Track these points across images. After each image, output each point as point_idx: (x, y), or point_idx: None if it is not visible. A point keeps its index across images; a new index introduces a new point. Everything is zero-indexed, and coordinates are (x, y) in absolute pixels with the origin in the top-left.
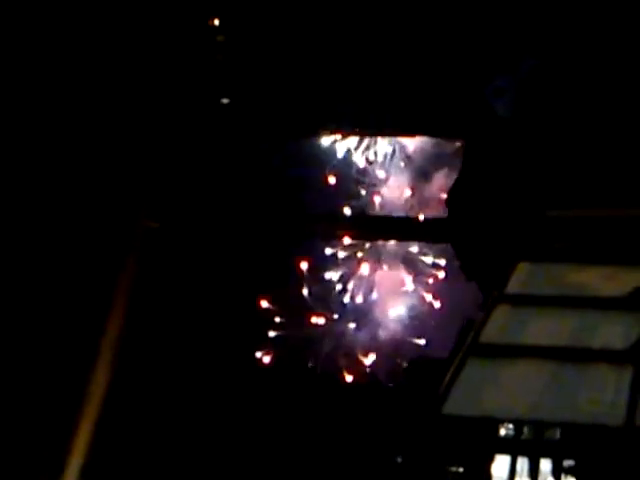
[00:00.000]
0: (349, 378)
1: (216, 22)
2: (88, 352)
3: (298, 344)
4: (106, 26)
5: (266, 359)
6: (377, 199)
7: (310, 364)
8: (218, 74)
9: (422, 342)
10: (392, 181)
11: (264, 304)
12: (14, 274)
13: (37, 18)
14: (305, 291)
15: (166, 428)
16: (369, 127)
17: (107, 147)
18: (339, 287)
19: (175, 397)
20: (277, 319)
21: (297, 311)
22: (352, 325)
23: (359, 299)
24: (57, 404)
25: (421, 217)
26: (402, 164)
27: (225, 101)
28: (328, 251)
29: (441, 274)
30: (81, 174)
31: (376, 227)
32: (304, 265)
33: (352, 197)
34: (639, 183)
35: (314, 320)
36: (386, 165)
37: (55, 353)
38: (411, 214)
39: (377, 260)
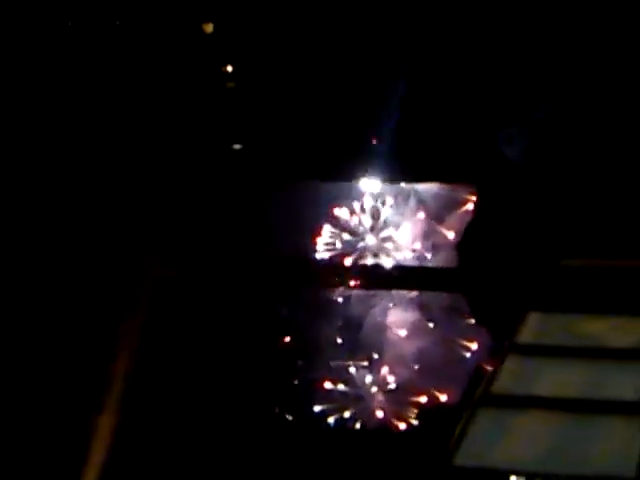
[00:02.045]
0: (357, 424)
1: (229, 69)
2: (94, 399)
3: (308, 388)
4: (119, 68)
5: (277, 403)
6: (388, 245)
7: (321, 407)
8: (230, 119)
9: (433, 387)
10: (404, 226)
11: (276, 348)
12: (19, 323)
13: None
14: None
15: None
16: (381, 174)
17: (122, 193)
18: (348, 328)
19: (183, 446)
20: (289, 363)
21: (308, 353)
22: (361, 367)
23: (368, 341)
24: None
25: (431, 265)
26: (415, 208)
27: (237, 147)
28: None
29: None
30: (95, 219)
31: (385, 276)
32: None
33: (361, 242)
34: None
35: (324, 361)
36: (398, 209)
37: (60, 401)
38: (423, 260)
39: (388, 303)
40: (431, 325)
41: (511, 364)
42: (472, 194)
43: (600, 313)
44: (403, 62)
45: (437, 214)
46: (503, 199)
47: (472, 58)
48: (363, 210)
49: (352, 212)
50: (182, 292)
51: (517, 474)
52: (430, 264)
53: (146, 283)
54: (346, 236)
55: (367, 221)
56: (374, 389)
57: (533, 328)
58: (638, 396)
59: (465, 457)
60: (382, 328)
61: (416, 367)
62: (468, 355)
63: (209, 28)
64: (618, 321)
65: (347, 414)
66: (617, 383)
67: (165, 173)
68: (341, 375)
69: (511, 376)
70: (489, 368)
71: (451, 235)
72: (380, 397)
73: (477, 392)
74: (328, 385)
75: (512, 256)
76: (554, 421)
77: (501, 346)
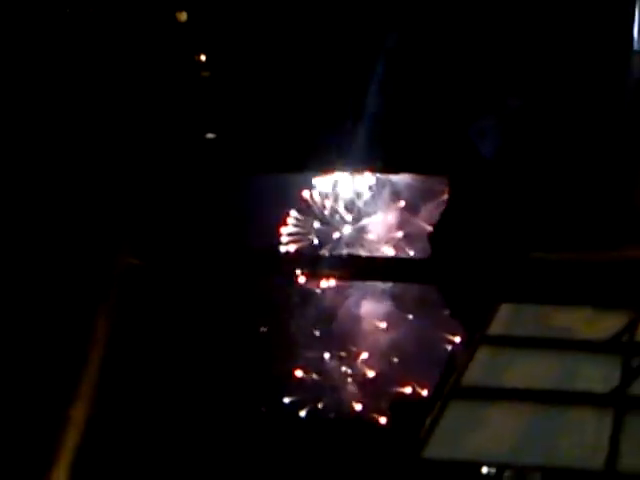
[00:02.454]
0: (330, 415)
1: (202, 58)
2: (67, 388)
3: (281, 378)
4: (89, 58)
5: (249, 393)
6: (362, 236)
7: (295, 398)
8: (203, 109)
9: (405, 379)
10: (378, 216)
11: (251, 339)
12: None
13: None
14: (289, 324)
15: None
16: (354, 164)
17: (90, 183)
18: (323, 320)
19: (157, 438)
20: (263, 354)
21: (283, 344)
22: (335, 359)
23: (341, 332)
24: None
25: (404, 257)
26: (389, 199)
27: (210, 136)
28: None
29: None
30: (64, 209)
31: (358, 267)
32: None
33: (334, 234)
34: (622, 226)
35: (297, 352)
36: (372, 200)
37: (33, 389)
38: (396, 252)
39: (362, 295)
40: (404, 316)
41: (482, 355)
42: (445, 186)
43: (571, 305)
44: (378, 54)
45: (411, 205)
46: (475, 191)
47: (446, 51)
48: (337, 201)
49: (326, 203)
50: (152, 282)
51: (488, 465)
52: (403, 255)
53: (115, 273)
54: (320, 227)
55: (341, 212)
56: (347, 380)
57: (504, 319)
58: (608, 388)
59: (436, 449)
60: (355, 319)
61: (389, 359)
62: (440, 346)
63: (183, 17)
64: (589, 313)
65: (320, 405)
66: (588, 375)
67: (135, 162)
68: (314, 366)
69: (482, 368)
70: (460, 359)
71: (424, 226)
72: (352, 388)
73: (448, 384)
74: (301, 376)
75: (483, 248)
76: (525, 413)
77: (472, 337)
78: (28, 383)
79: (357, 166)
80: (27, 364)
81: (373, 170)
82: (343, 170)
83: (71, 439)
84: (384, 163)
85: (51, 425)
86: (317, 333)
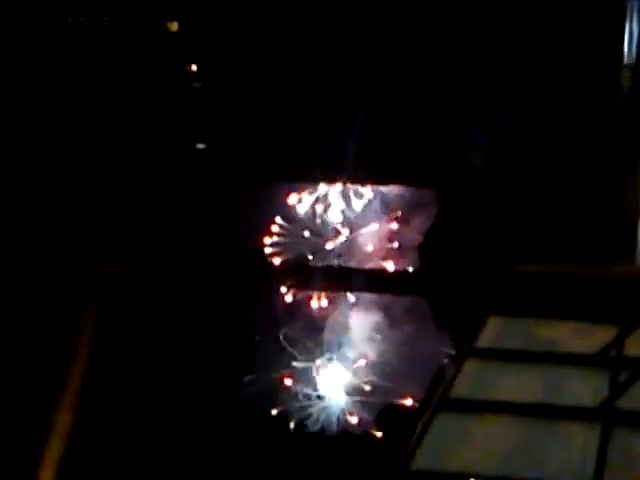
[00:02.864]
0: (317, 426)
1: (193, 68)
2: (51, 397)
3: (269, 388)
4: (84, 66)
5: (238, 402)
6: (352, 247)
7: (281, 408)
8: (194, 119)
9: (394, 390)
10: (369, 228)
11: (238, 348)
12: None
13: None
14: (276, 333)
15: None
16: (345, 175)
17: (75, 191)
18: (311, 329)
19: (143, 446)
20: (249, 363)
21: (270, 354)
22: (323, 368)
23: (331, 342)
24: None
25: (393, 268)
26: (379, 211)
27: (201, 146)
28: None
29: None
30: (48, 217)
31: (348, 278)
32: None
33: (325, 245)
34: (611, 241)
35: (285, 362)
36: (363, 211)
37: (17, 396)
38: (386, 263)
39: (352, 305)
40: (392, 328)
41: (470, 368)
42: (435, 198)
43: (559, 319)
44: (368, 65)
45: (401, 217)
46: (464, 204)
47: (436, 64)
48: (328, 212)
49: (316, 213)
50: (136, 290)
51: (475, 478)
52: (393, 267)
53: (99, 281)
54: (310, 237)
55: (331, 223)
56: (335, 391)
57: (492, 332)
58: (596, 402)
59: (423, 461)
60: (344, 330)
61: (377, 370)
62: (429, 358)
63: (174, 27)
64: (577, 327)
65: (307, 415)
66: (576, 389)
67: (123, 170)
68: (302, 376)
69: (470, 380)
70: (449, 372)
71: (414, 238)
72: (341, 399)
73: (436, 396)
74: (289, 386)
75: (473, 261)
76: (513, 425)
77: (461, 350)
78: (12, 390)
79: (347, 177)
80: (11, 371)
81: (364, 181)
82: (334, 181)
83: (55, 447)
84: (375, 174)
85: (36, 433)
86: (306, 343)
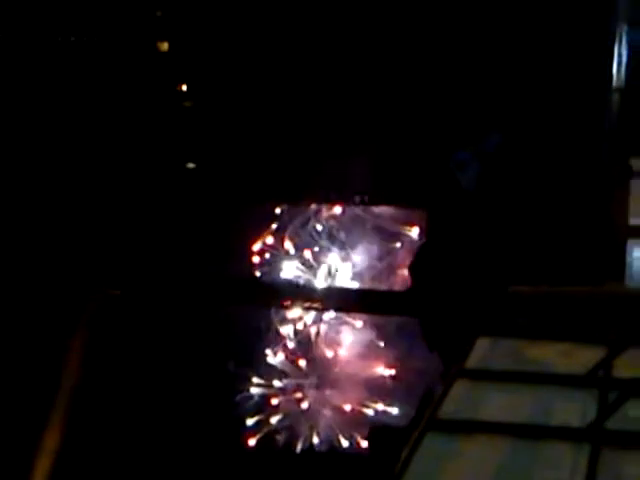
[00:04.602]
0: (305, 444)
1: (184, 88)
2: (39, 415)
3: (259, 406)
4: (72, 85)
5: (225, 423)
6: (341, 267)
7: (269, 427)
8: (184, 139)
9: (384, 409)
10: (359, 248)
11: (226, 366)
12: None
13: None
14: (268, 352)
15: None
16: (336, 197)
17: (67, 211)
18: (302, 348)
19: (132, 465)
20: (239, 381)
21: (258, 371)
22: (313, 388)
23: (320, 360)
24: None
25: (384, 288)
26: (369, 231)
27: (191, 166)
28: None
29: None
30: (39, 237)
31: (338, 297)
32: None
33: (314, 263)
34: (602, 261)
35: (275, 380)
36: (353, 231)
37: (5, 416)
38: (376, 283)
39: (341, 323)
40: (381, 347)
41: (459, 388)
42: (424, 218)
43: (548, 339)
44: (360, 88)
45: (391, 237)
46: (454, 224)
47: (426, 85)
48: (317, 232)
49: (307, 233)
50: (126, 310)
51: None
52: (383, 287)
53: (90, 302)
54: (300, 257)
55: (322, 243)
56: (323, 409)
57: (482, 353)
58: (585, 423)
59: None
60: (333, 349)
61: (366, 389)
62: (417, 378)
63: (164, 47)
64: (566, 347)
65: (295, 434)
66: (564, 409)
67: (112, 191)
68: (291, 394)
69: (459, 401)
70: (437, 392)
71: (404, 258)
72: (329, 418)
73: (425, 416)
74: (278, 404)
75: (462, 281)
76: (501, 446)
77: (450, 370)
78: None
79: (339, 198)
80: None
81: (355, 202)
82: (325, 201)
83: (42, 467)
84: (366, 195)
85: (23, 453)
86: (296, 361)
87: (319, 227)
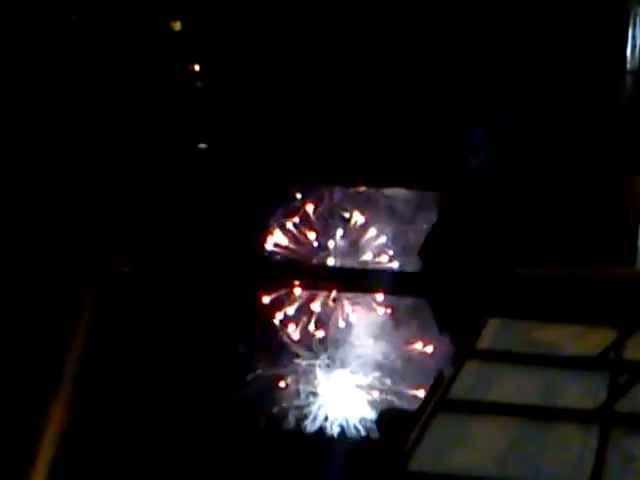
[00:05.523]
0: (315, 425)
1: (196, 67)
2: (44, 395)
3: (269, 387)
4: (83, 65)
5: (236, 403)
6: (354, 248)
7: (279, 408)
8: (196, 119)
9: (393, 390)
10: (371, 229)
11: (236, 344)
12: None
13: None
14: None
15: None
16: (347, 178)
17: (75, 188)
18: (312, 327)
19: (138, 446)
20: (249, 362)
21: (269, 352)
22: (322, 367)
23: (331, 341)
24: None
25: (396, 269)
26: (382, 213)
27: (202, 146)
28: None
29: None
30: (46, 215)
31: (350, 278)
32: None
33: (327, 244)
34: (611, 244)
35: (287, 360)
36: (365, 212)
37: (10, 394)
38: (388, 264)
39: (353, 304)
40: (392, 328)
41: (469, 370)
42: (437, 200)
43: (559, 321)
44: (370, 69)
45: (403, 219)
46: (466, 206)
47: (438, 66)
48: (330, 213)
49: (319, 215)
50: (136, 288)
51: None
52: (395, 268)
53: (95, 279)
54: (312, 238)
55: (334, 224)
56: (334, 390)
57: (492, 334)
58: (595, 405)
59: (420, 462)
60: (345, 329)
61: (376, 370)
62: (428, 359)
63: (177, 26)
64: (577, 329)
65: (305, 415)
66: (574, 391)
67: (125, 170)
68: (301, 375)
69: (469, 381)
70: (448, 373)
71: (416, 240)
72: (339, 398)
73: (435, 397)
74: (288, 385)
75: (473, 263)
76: (511, 427)
77: (460, 351)
78: (5, 388)
79: (351, 179)
80: (4, 368)
81: (367, 183)
82: (337, 183)
83: (48, 448)
84: (377, 177)
85: (29, 434)
86: (307, 342)
87: (333, 208)
